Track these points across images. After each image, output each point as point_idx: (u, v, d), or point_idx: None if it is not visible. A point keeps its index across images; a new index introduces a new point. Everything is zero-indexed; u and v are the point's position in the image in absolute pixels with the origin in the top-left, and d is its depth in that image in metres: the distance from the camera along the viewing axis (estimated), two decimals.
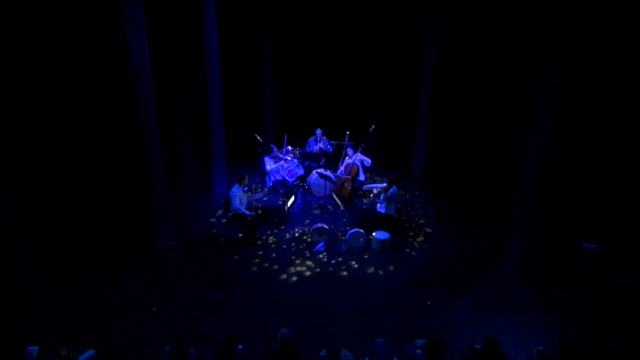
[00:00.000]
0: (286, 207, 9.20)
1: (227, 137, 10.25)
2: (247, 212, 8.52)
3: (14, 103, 8.48)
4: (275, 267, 7.93)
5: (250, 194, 9.00)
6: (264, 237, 8.83)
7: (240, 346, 5.27)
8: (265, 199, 9.78)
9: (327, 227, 8.56)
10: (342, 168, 10.25)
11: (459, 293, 7.20)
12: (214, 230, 9.12)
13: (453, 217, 9.68)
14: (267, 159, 10.32)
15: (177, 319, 6.66)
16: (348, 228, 8.85)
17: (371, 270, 7.87)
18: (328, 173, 9.91)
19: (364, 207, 9.27)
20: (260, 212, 9.01)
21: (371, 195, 9.33)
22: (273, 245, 8.61)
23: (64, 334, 6.13)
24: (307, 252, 8.37)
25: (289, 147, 10.69)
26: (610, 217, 8.67)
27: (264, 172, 10.48)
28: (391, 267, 7.94)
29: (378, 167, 11.56)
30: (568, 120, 8.53)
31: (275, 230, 9.12)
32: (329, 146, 10.93)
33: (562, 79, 6.89)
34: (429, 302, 7.01)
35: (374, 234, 8.53)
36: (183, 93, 10.30)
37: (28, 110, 9.20)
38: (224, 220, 9.45)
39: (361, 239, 8.36)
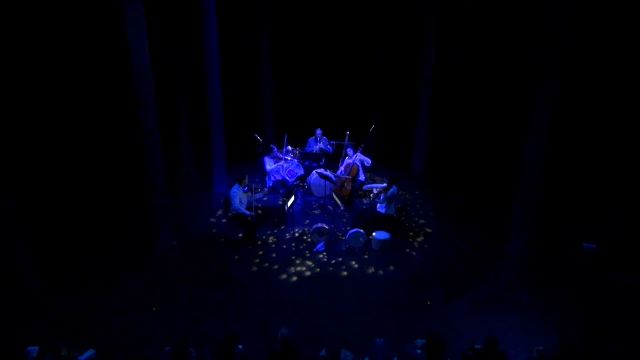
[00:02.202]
0: (286, 207, 9.19)
1: (227, 137, 10.26)
2: (247, 212, 8.51)
3: (14, 103, 8.47)
4: (275, 267, 7.93)
5: (250, 194, 8.98)
6: (264, 237, 8.83)
7: (240, 346, 5.27)
8: (265, 199, 9.77)
9: (327, 227, 8.56)
10: (342, 168, 10.24)
11: (459, 293, 7.20)
12: (214, 230, 9.11)
13: (453, 217, 9.67)
14: (267, 159, 10.31)
15: (177, 319, 6.65)
16: (348, 228, 8.85)
17: (371, 270, 7.86)
18: (328, 173, 9.90)
19: (364, 207, 9.27)
20: (260, 212, 9.00)
21: (371, 195, 9.33)
22: (273, 245, 8.60)
23: (64, 334, 6.13)
24: (307, 252, 8.37)
25: (289, 147, 10.68)
26: (610, 217, 8.67)
27: (264, 172, 10.47)
28: (391, 267, 7.94)
29: (378, 167, 11.57)
30: (568, 120, 8.55)
31: (275, 230, 9.12)
32: (329, 146, 10.93)
33: (562, 79, 6.89)
34: (429, 302, 7.00)
35: (374, 234, 8.52)
36: (183, 93, 10.29)
37: (28, 110, 9.19)
38: (224, 220, 9.45)
39: (361, 239, 8.36)
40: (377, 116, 12.86)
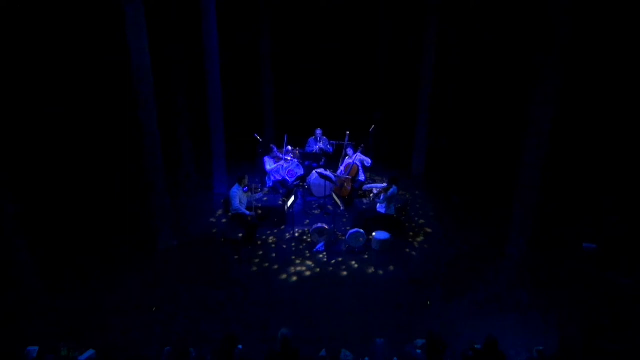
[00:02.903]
0: (286, 207, 9.18)
1: (227, 137, 10.26)
2: (247, 212, 8.51)
3: (14, 103, 8.48)
4: (275, 267, 7.94)
5: (250, 194, 8.98)
6: (264, 237, 8.83)
7: (240, 346, 5.27)
8: (265, 199, 9.77)
9: (327, 227, 8.56)
10: (342, 168, 10.24)
11: (459, 293, 7.20)
12: (214, 230, 9.11)
13: (453, 217, 9.67)
14: (267, 159, 10.31)
15: (177, 319, 6.66)
16: (348, 228, 8.85)
17: (371, 270, 7.87)
18: (328, 173, 9.89)
19: (364, 207, 9.26)
20: (260, 212, 9.00)
21: (371, 195, 9.32)
22: (273, 245, 8.61)
23: (64, 334, 6.14)
24: (307, 252, 8.37)
25: (289, 147, 10.66)
26: (610, 217, 8.67)
27: (264, 172, 10.47)
28: (391, 267, 7.94)
29: (378, 167, 11.58)
30: (568, 120, 8.58)
31: (275, 230, 9.11)
32: (329, 146, 10.92)
33: (562, 79, 6.88)
34: (429, 302, 7.01)
35: (374, 233, 8.52)
36: (183, 93, 10.31)
37: (28, 110, 9.20)
38: (224, 220, 9.44)
39: (361, 239, 8.36)
40: (377, 116, 12.89)
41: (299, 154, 10.73)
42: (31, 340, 5.64)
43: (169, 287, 7.35)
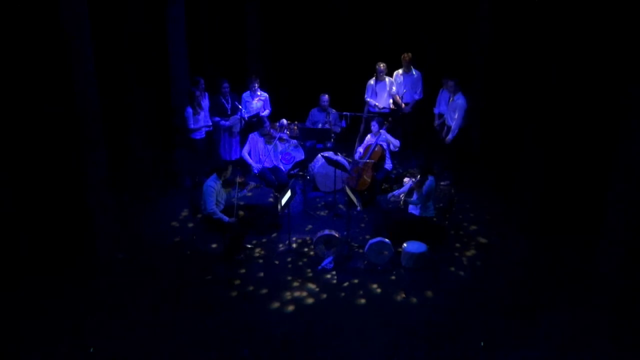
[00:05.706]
0: (279, 207, 9.01)
1: None
2: (226, 218, 8.48)
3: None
4: (264, 291, 7.89)
5: (230, 190, 8.88)
6: (247, 249, 8.89)
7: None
8: (249, 194, 9.88)
9: (337, 234, 8.49)
10: (360, 150, 10.40)
11: (521, 333, 7.16)
12: (177, 239, 9.23)
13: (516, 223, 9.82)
14: (253, 137, 10.45)
15: None
16: (368, 237, 8.88)
17: (401, 296, 7.85)
18: (339, 158, 9.96)
19: (390, 206, 9.29)
20: (242, 213, 8.90)
21: (400, 202, 9.36)
22: (260, 261, 8.62)
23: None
24: (309, 270, 8.38)
25: (284, 121, 10.88)
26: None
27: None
28: (429, 293, 7.91)
29: None
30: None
31: (264, 240, 9.17)
32: (339, 121, 11.14)
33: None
34: (482, 343, 6.92)
35: (404, 245, 8.45)
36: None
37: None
38: (190, 225, 9.58)
39: (386, 252, 8.30)
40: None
41: (297, 131, 10.86)
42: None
43: (103, 316, 7.31)
